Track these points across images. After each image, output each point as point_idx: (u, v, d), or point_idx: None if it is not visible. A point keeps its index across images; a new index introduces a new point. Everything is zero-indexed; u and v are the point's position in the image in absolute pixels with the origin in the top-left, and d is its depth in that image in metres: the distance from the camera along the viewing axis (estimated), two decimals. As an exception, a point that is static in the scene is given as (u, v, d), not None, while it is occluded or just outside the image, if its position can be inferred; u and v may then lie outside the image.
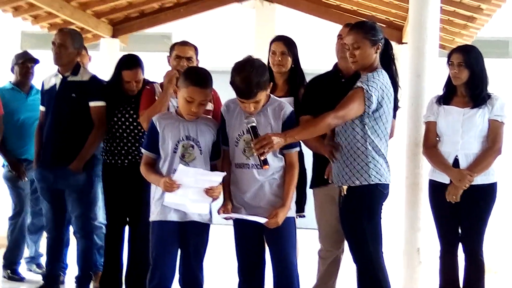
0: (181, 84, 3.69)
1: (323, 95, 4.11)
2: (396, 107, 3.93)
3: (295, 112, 3.80)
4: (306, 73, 4.63)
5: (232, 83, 3.56)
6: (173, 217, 3.67)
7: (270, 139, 3.43)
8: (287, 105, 3.76)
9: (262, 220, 3.56)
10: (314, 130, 3.65)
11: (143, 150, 3.83)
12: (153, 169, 3.73)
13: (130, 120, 4.79)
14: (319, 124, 3.59)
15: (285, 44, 4.52)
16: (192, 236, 3.72)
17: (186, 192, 3.59)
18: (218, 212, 3.69)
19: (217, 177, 3.62)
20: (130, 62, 4.90)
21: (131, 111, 4.79)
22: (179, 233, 3.70)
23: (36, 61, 5.60)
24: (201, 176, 3.62)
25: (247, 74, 3.49)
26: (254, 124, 3.52)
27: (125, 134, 4.80)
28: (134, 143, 4.79)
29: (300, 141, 4.13)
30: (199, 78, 3.67)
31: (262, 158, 3.46)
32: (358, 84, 3.62)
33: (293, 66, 4.54)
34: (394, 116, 4.17)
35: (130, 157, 4.78)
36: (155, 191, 3.74)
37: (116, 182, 4.84)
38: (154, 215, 3.72)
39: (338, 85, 4.14)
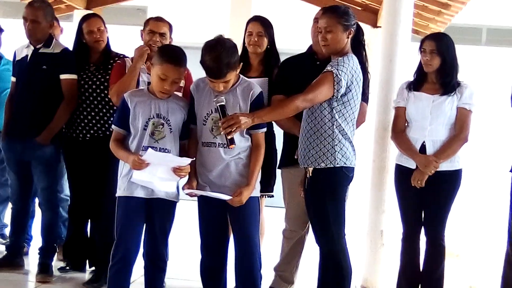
0: (155, 61, 3.68)
1: (297, 76, 4.13)
2: (366, 92, 3.96)
3: (268, 93, 3.81)
4: (280, 53, 4.64)
5: (202, 62, 3.56)
6: (139, 193, 3.68)
7: (238, 118, 3.45)
8: (256, 85, 3.77)
9: (226, 197, 3.59)
10: (282, 112, 3.67)
11: (113, 126, 3.83)
12: (123, 145, 3.73)
13: (94, 94, 4.74)
14: (287, 106, 3.61)
15: (262, 25, 4.52)
16: (158, 213, 3.73)
17: (154, 170, 3.60)
18: (183, 188, 3.71)
19: (185, 161, 3.63)
20: (87, 15, 4.98)
21: (97, 82, 4.74)
22: (145, 209, 3.71)
23: (0, 30, 5.50)
24: (170, 159, 3.63)
25: (218, 54, 3.50)
26: (223, 103, 3.53)
27: (88, 109, 4.74)
28: (95, 117, 4.74)
29: (273, 122, 4.16)
30: (173, 56, 3.66)
31: (229, 137, 3.49)
32: (328, 68, 3.64)
33: (268, 47, 4.54)
34: (366, 101, 4.21)
35: (92, 131, 4.74)
36: (123, 167, 3.74)
37: (77, 157, 4.81)
38: (121, 191, 3.72)
39: (313, 67, 4.16)
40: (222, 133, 3.50)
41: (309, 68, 4.18)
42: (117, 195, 3.74)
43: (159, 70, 3.64)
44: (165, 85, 3.65)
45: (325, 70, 3.64)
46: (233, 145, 3.53)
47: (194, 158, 3.67)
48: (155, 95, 3.72)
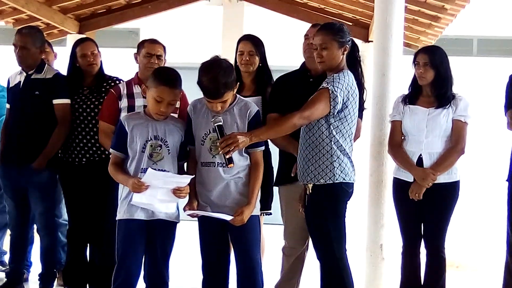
0: (151, 84, 3.70)
1: (291, 93, 4.15)
2: (361, 108, 3.98)
3: (262, 111, 3.83)
4: (273, 70, 4.66)
5: (199, 83, 3.58)
6: (139, 215, 3.68)
7: (235, 138, 3.46)
8: (253, 104, 3.80)
9: (227, 217, 3.59)
10: (280, 130, 3.69)
11: (111, 150, 3.84)
12: (121, 169, 3.74)
13: (89, 118, 4.74)
14: (285, 124, 3.63)
15: (253, 44, 4.55)
16: (158, 234, 3.73)
17: (154, 192, 3.61)
18: (184, 210, 3.70)
19: (185, 180, 3.64)
20: (80, 40, 5.04)
21: (91, 106, 4.75)
22: (146, 232, 3.71)
23: None
24: (170, 178, 3.63)
25: (215, 75, 3.52)
26: (220, 123, 3.55)
27: (83, 132, 4.75)
28: (91, 140, 4.74)
29: (268, 140, 4.16)
30: (168, 78, 3.68)
31: (227, 156, 3.50)
32: (324, 84, 3.66)
33: (260, 65, 4.56)
34: (361, 117, 4.23)
35: (88, 155, 4.74)
36: (122, 190, 3.74)
37: (74, 181, 4.80)
38: (121, 214, 3.73)
39: (306, 84, 4.18)
40: (220, 152, 3.51)
41: (303, 85, 4.19)
42: (117, 218, 3.74)
43: (154, 92, 3.66)
44: (161, 107, 3.67)
45: (321, 87, 3.66)
46: (232, 164, 3.54)
47: (193, 176, 3.68)
48: (152, 117, 3.74)
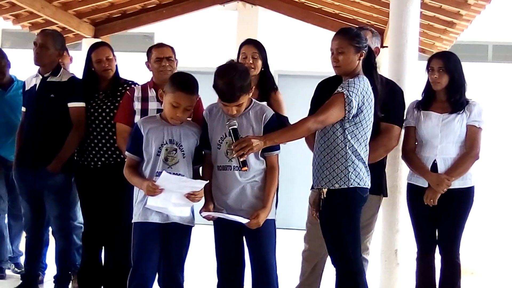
0: (168, 89, 3.72)
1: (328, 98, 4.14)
2: (376, 114, 3.96)
3: (275, 115, 3.82)
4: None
5: (215, 86, 3.60)
6: (154, 218, 3.70)
7: (250, 141, 3.48)
8: (269, 108, 3.82)
9: (243, 220, 3.60)
10: (294, 134, 3.68)
11: (126, 153, 3.86)
12: (136, 172, 3.76)
13: (104, 122, 4.77)
14: (299, 128, 3.64)
15: (256, 47, 4.57)
16: (173, 237, 3.74)
17: (168, 196, 3.62)
18: (200, 212, 3.72)
19: (199, 185, 3.66)
20: (95, 44, 5.04)
21: (107, 110, 4.78)
22: (161, 235, 3.72)
23: (2, 55, 5.51)
24: (184, 183, 3.65)
25: (230, 78, 3.54)
26: (235, 126, 3.56)
27: (99, 136, 4.78)
28: (106, 144, 4.77)
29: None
30: (185, 84, 3.71)
31: (241, 159, 3.51)
32: (339, 89, 3.66)
33: (263, 69, 4.57)
34: (400, 125, 4.20)
35: (103, 159, 4.77)
36: (138, 194, 3.76)
37: (89, 185, 4.83)
38: (136, 217, 3.74)
39: None
40: (234, 155, 3.52)
41: None
42: (132, 221, 3.76)
43: (171, 98, 3.68)
44: (177, 113, 3.69)
45: (336, 92, 3.66)
46: (246, 167, 3.56)
47: (208, 181, 3.69)
48: (167, 121, 3.76)
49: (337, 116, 3.62)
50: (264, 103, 4.38)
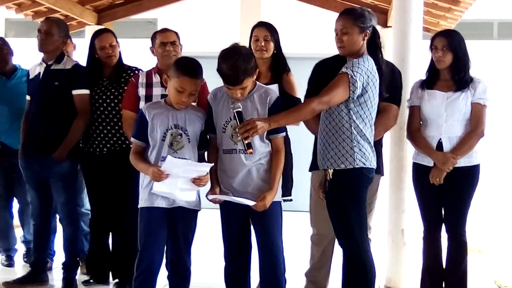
0: (172, 74, 3.72)
1: (329, 79, 4.13)
2: (381, 95, 3.95)
3: (280, 98, 3.83)
4: (290, 57, 4.65)
5: (219, 70, 3.60)
6: (161, 203, 3.71)
7: (254, 123, 3.48)
8: (273, 91, 3.81)
9: (250, 202, 3.61)
10: (299, 116, 3.69)
11: (132, 139, 3.87)
12: (142, 158, 3.77)
13: (109, 108, 4.78)
14: (304, 109, 3.63)
15: (268, 30, 4.55)
16: (180, 222, 3.76)
17: (174, 181, 3.63)
18: (207, 195, 3.73)
19: (205, 168, 3.67)
20: (98, 31, 5.04)
21: (111, 96, 4.79)
22: (167, 219, 3.74)
23: (4, 42, 5.51)
24: (190, 166, 3.66)
25: (234, 61, 3.54)
26: (240, 109, 3.57)
27: (104, 123, 4.79)
28: (111, 130, 4.79)
29: (286, 126, 4.16)
30: (190, 68, 3.70)
31: (246, 142, 3.51)
32: (343, 69, 3.64)
33: (275, 51, 4.56)
34: (398, 104, 4.20)
35: (109, 145, 4.79)
36: (144, 179, 3.77)
37: (95, 171, 4.85)
38: (142, 202, 3.76)
39: None
40: (239, 138, 3.53)
41: (338, 71, 4.18)
42: (139, 206, 3.78)
43: (176, 83, 3.68)
44: (182, 98, 3.69)
45: (340, 72, 3.65)
46: (251, 150, 3.56)
47: (213, 164, 3.70)
48: (172, 107, 3.76)
49: (341, 97, 3.61)
50: (276, 85, 4.39)
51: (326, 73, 4.10)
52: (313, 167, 4.33)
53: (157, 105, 3.84)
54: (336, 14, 3.86)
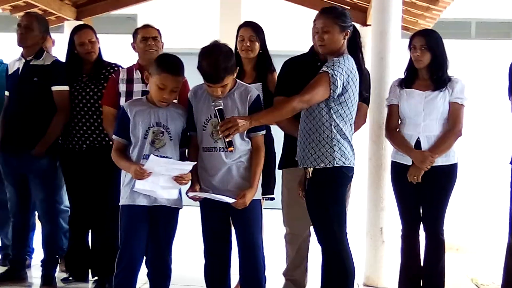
0: (153, 71, 3.71)
1: (299, 77, 4.15)
2: (363, 94, 3.97)
3: (263, 97, 3.84)
4: (271, 55, 4.66)
5: (199, 68, 3.60)
6: (142, 201, 3.71)
7: (235, 121, 3.49)
8: (253, 89, 3.82)
9: (230, 200, 3.61)
10: (279, 114, 3.70)
11: (113, 136, 3.85)
12: (124, 155, 3.76)
13: (88, 105, 4.76)
14: (284, 108, 3.65)
15: (253, 30, 4.56)
16: (161, 220, 3.75)
17: (156, 180, 3.63)
18: (187, 193, 3.72)
19: (188, 166, 3.67)
20: (78, 27, 5.03)
21: (91, 93, 4.77)
22: (148, 217, 3.73)
23: None
24: (172, 165, 3.65)
25: (215, 59, 3.54)
26: (221, 107, 3.58)
27: (83, 119, 4.77)
28: (90, 127, 4.77)
29: (269, 126, 4.18)
30: (171, 65, 3.70)
31: (227, 140, 3.52)
32: (324, 68, 3.67)
33: (260, 51, 4.57)
34: (367, 103, 4.23)
35: (88, 142, 4.77)
36: (125, 176, 3.77)
37: (75, 168, 4.83)
38: (124, 200, 3.75)
39: (315, 68, 4.16)
40: (220, 136, 3.53)
41: (311, 69, 4.19)
42: (120, 203, 3.76)
43: (157, 80, 3.67)
44: (164, 94, 3.69)
45: (320, 71, 3.67)
46: (232, 148, 3.57)
47: (195, 162, 3.70)
48: (154, 104, 3.76)
49: (322, 96, 3.63)
50: (259, 84, 4.40)
51: (297, 71, 4.12)
52: (283, 165, 4.35)
53: (139, 103, 3.84)
54: (316, 12, 3.88)
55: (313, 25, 4.25)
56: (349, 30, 3.76)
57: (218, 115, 3.56)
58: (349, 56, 3.74)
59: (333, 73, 3.60)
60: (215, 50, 3.60)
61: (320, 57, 4.24)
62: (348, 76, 3.65)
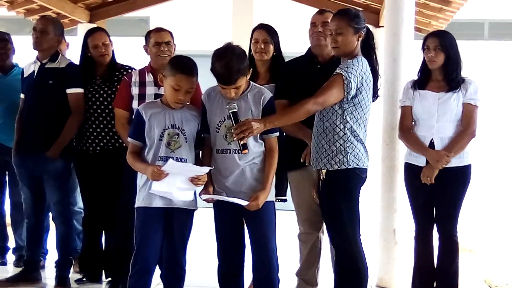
0: (168, 73, 3.72)
1: (299, 80, 4.16)
2: (375, 95, 3.98)
3: (273, 97, 3.85)
4: (286, 57, 4.67)
5: (213, 69, 3.61)
6: (158, 203, 3.71)
7: (250, 124, 3.49)
8: (267, 91, 3.82)
9: (243, 202, 3.62)
10: (294, 116, 3.70)
11: (129, 139, 3.85)
12: (139, 158, 3.76)
13: (102, 107, 4.79)
14: (299, 110, 3.65)
15: (267, 32, 4.56)
16: (176, 222, 3.76)
17: (173, 181, 3.63)
18: (200, 194, 3.74)
19: (205, 170, 3.67)
20: (91, 30, 5.06)
21: (104, 95, 4.80)
22: (164, 219, 3.74)
23: (5, 38, 5.47)
24: (189, 168, 3.66)
25: (228, 61, 3.55)
26: (235, 110, 3.59)
27: (97, 121, 4.80)
28: (104, 129, 4.80)
29: (281, 129, 4.18)
30: (186, 66, 3.71)
31: (241, 142, 3.53)
32: (338, 70, 3.67)
33: (275, 54, 4.58)
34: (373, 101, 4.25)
35: (102, 144, 4.80)
36: (141, 179, 3.78)
37: (88, 170, 4.87)
38: (140, 201, 3.75)
39: (314, 71, 4.21)
40: (235, 139, 3.54)
41: (311, 71, 4.22)
42: (136, 205, 3.77)
43: (172, 81, 3.69)
44: (179, 95, 3.70)
45: (334, 73, 3.68)
46: (246, 150, 3.58)
47: (213, 167, 3.71)
48: (168, 106, 3.77)
49: (336, 98, 3.64)
50: (273, 85, 4.40)
51: (296, 73, 4.14)
52: (289, 167, 4.34)
53: (154, 105, 3.85)
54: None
55: (311, 27, 4.28)
56: (362, 32, 3.77)
57: (232, 118, 3.57)
58: (363, 58, 3.74)
59: (347, 75, 3.60)
60: (228, 51, 3.61)
61: (318, 59, 4.26)
62: (362, 77, 3.66)
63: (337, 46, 3.76)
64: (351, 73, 3.62)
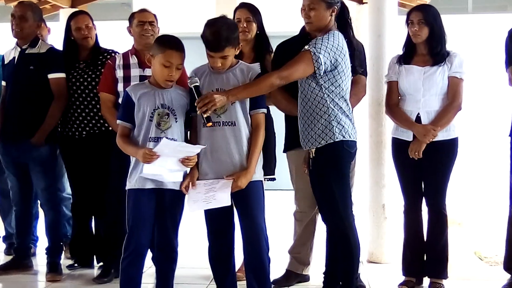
0: (156, 50, 3.68)
1: (292, 58, 4.14)
2: (356, 67, 3.97)
3: (261, 74, 3.83)
4: (271, 36, 4.65)
5: (202, 36, 3.62)
6: (149, 185, 3.67)
7: (212, 97, 3.49)
8: (255, 67, 3.81)
9: (226, 203, 3.60)
10: (257, 89, 3.65)
11: (118, 121, 3.79)
12: (130, 140, 3.72)
13: (86, 91, 4.76)
14: (262, 83, 3.63)
15: (250, 11, 4.55)
16: (167, 203, 3.72)
17: (164, 162, 3.60)
18: (180, 186, 3.70)
19: (196, 149, 3.64)
20: (74, 13, 5.04)
21: (88, 79, 4.77)
22: (155, 201, 3.71)
23: None
24: (181, 148, 3.64)
25: (218, 28, 3.57)
26: (197, 84, 3.60)
27: (82, 106, 4.77)
28: (89, 113, 4.77)
29: (268, 106, 4.17)
30: (174, 42, 3.69)
31: (205, 115, 3.53)
32: (306, 47, 3.67)
33: (258, 32, 4.56)
34: (365, 74, 4.28)
35: (87, 128, 4.77)
36: (131, 161, 3.75)
37: (75, 155, 4.84)
38: (131, 184, 3.71)
39: None
40: (198, 112, 3.53)
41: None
42: (127, 188, 3.73)
43: (162, 58, 3.65)
44: (170, 72, 3.66)
45: (303, 50, 3.67)
46: (210, 123, 3.56)
47: (205, 146, 3.67)
48: (157, 86, 3.73)
49: (303, 73, 3.64)
50: (258, 64, 4.38)
51: (289, 53, 4.12)
52: (288, 147, 4.35)
53: (142, 86, 3.80)
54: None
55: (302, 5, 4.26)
56: (336, 7, 3.76)
57: (195, 92, 3.57)
58: (337, 32, 3.73)
59: (315, 51, 3.60)
60: (219, 20, 3.63)
61: (311, 37, 4.24)
62: (335, 53, 3.64)
63: (310, 22, 3.76)
64: (320, 48, 3.60)
